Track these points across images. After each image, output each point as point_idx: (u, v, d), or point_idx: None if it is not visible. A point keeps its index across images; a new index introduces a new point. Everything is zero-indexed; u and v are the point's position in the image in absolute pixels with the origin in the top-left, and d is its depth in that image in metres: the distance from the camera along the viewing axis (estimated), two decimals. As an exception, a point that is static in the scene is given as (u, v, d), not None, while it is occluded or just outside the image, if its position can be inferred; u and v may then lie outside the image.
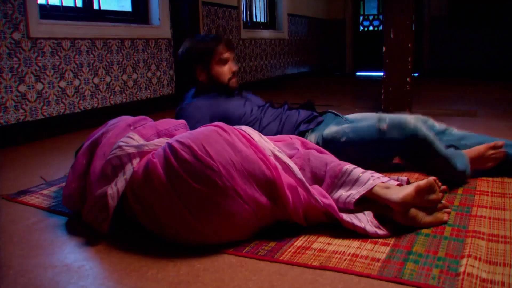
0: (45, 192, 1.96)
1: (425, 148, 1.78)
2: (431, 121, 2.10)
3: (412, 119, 1.80)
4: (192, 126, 1.96)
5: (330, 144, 1.95)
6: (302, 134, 2.06)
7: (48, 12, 3.34)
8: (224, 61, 2.24)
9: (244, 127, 1.47)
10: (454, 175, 1.84)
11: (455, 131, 2.09)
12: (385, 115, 1.88)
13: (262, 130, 2.09)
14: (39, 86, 3.15)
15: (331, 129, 2.00)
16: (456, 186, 1.83)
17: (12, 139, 2.97)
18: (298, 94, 5.40)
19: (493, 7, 7.49)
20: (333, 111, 2.21)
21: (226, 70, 2.25)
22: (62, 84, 3.33)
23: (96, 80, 3.62)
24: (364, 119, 2.07)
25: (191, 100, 2.23)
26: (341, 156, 1.77)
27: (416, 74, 7.83)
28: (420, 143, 1.77)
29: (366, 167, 1.53)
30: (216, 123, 1.41)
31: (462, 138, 2.04)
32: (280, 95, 5.22)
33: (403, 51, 3.58)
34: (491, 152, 1.93)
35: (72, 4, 3.61)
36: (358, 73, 8.86)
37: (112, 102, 3.79)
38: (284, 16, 7.10)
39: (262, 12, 6.80)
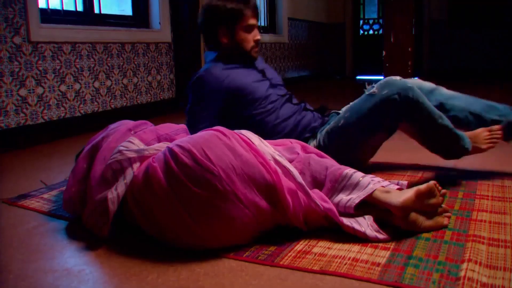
0: (45, 196, 1.96)
1: (417, 102, 1.77)
2: (418, 81, 2.11)
3: (397, 76, 1.85)
4: (211, 100, 1.99)
5: (330, 135, 1.96)
6: (306, 139, 2.06)
7: (49, 16, 3.34)
8: (250, 28, 2.10)
9: (244, 131, 1.47)
10: (453, 142, 1.86)
11: (445, 90, 2.06)
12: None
13: (279, 124, 2.04)
14: (39, 90, 3.15)
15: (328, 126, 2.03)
16: (456, 187, 1.84)
17: (13, 143, 2.98)
18: (299, 98, 5.39)
19: (493, 7, 7.51)
20: (337, 111, 2.20)
21: (250, 38, 2.11)
22: (63, 88, 3.33)
23: (96, 84, 3.63)
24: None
25: (209, 64, 2.12)
26: (344, 148, 1.86)
27: (416, 78, 7.84)
28: (412, 97, 1.77)
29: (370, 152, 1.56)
30: (216, 127, 1.41)
31: (452, 97, 2.01)
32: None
33: (403, 54, 3.60)
34: (486, 134, 1.91)
35: (73, 8, 3.62)
36: (358, 77, 8.87)
37: (112, 106, 3.80)
38: (284, 20, 7.11)
39: (262, 16, 6.81)
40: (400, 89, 1.77)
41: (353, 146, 1.93)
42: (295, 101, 2.21)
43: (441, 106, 1.97)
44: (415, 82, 2.10)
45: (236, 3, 2.07)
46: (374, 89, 1.85)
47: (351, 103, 2.02)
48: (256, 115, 2.05)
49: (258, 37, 2.14)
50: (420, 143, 1.96)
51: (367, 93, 1.88)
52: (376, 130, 1.89)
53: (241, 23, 2.08)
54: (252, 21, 2.10)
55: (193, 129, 1.92)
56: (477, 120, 1.93)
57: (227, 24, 2.08)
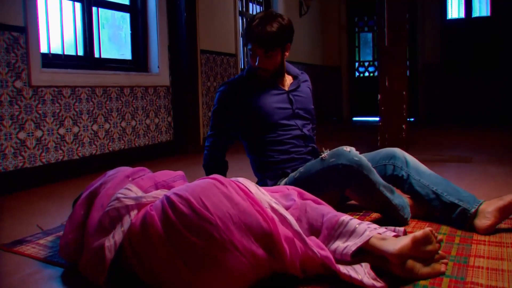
0: (41, 241, 1.95)
1: (359, 173, 1.87)
2: (397, 150, 2.14)
3: (348, 148, 1.92)
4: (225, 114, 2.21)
5: (289, 182, 2.08)
6: (285, 174, 2.18)
7: (50, 61, 3.41)
8: (253, 54, 2.15)
9: (241, 179, 1.48)
10: (393, 211, 1.96)
11: (421, 167, 2.07)
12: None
13: (275, 150, 2.18)
14: (38, 133, 3.18)
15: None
16: (453, 231, 1.84)
17: (10, 186, 2.98)
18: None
19: (486, 54, 7.66)
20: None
21: (253, 62, 2.18)
22: (62, 131, 3.36)
23: (95, 127, 3.66)
24: None
25: (237, 76, 2.30)
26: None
27: (412, 119, 7.91)
28: (355, 168, 1.87)
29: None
30: (213, 175, 1.43)
31: (421, 174, 2.03)
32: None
33: (398, 99, 3.65)
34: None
35: (73, 53, 3.69)
36: (354, 119, 8.95)
37: (110, 149, 3.82)
38: (281, 63, 7.22)
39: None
40: (345, 160, 1.87)
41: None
42: (310, 143, 2.29)
43: (407, 178, 2.04)
44: (393, 151, 2.14)
45: (246, 29, 2.14)
46: (326, 154, 1.96)
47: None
48: (263, 139, 2.21)
49: (260, 64, 2.15)
50: (365, 207, 2.15)
51: (320, 156, 1.99)
52: (322, 190, 1.96)
53: (248, 45, 2.15)
54: (254, 50, 2.13)
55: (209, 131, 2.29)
56: (437, 199, 1.96)
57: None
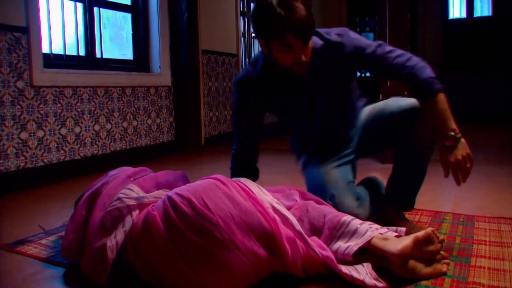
0: (43, 241, 1.95)
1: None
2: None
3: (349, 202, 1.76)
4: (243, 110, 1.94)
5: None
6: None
7: (52, 61, 3.41)
8: (289, 49, 1.65)
9: (243, 179, 1.49)
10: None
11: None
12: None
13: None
14: (40, 133, 3.18)
15: None
16: (454, 232, 1.84)
17: (12, 186, 2.98)
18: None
19: (487, 53, 7.65)
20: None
21: (287, 58, 1.68)
22: (63, 131, 3.37)
23: (96, 127, 3.67)
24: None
25: (248, 69, 1.91)
26: None
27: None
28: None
29: None
30: (215, 176, 1.43)
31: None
32: (277, 142, 5.26)
33: (399, 98, 3.64)
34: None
35: (75, 53, 3.70)
36: (356, 118, 8.93)
37: (112, 149, 3.82)
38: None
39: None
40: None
41: None
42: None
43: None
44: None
45: (274, 21, 1.61)
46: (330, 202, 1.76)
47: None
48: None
49: (300, 59, 1.68)
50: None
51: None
52: None
53: (277, 43, 1.65)
54: (291, 43, 1.63)
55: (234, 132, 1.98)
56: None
57: (262, 36, 1.70)
